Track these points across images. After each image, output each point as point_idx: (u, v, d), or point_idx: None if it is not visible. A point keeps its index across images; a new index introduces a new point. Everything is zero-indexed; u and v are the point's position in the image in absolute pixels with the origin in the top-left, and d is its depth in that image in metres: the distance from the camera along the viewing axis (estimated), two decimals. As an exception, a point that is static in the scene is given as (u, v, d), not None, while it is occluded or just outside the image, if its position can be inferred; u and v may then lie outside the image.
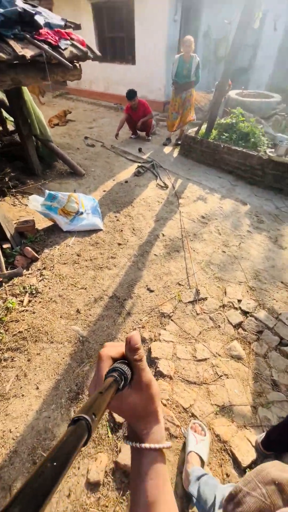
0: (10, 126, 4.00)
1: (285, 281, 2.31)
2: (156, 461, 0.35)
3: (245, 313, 2.01)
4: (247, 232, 2.89)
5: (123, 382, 0.32)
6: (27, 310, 1.97)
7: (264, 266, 2.46)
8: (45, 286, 2.16)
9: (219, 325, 1.93)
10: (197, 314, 2.00)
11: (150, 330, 1.88)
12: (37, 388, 1.55)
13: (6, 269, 2.24)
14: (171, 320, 1.95)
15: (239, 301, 2.10)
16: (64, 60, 2.52)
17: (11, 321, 1.89)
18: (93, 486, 1.21)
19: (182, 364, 1.68)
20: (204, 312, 2.01)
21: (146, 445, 0.35)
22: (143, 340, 1.81)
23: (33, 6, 2.59)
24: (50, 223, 2.85)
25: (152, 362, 1.69)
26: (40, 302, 2.04)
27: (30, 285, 2.14)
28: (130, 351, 0.34)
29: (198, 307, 2.05)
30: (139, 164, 4.19)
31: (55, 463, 0.19)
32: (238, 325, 1.93)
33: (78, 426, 0.23)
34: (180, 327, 1.91)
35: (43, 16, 2.60)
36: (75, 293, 2.12)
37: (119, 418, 1.41)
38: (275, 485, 0.53)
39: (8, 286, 2.14)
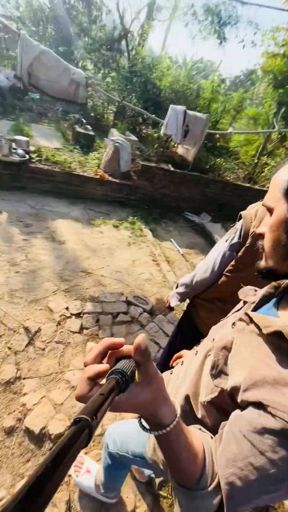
0: None
1: (84, 268, 2.67)
2: (181, 431, 0.40)
3: (78, 315, 2.15)
4: (24, 241, 2.77)
5: (124, 385, 0.32)
6: None
7: (61, 266, 2.61)
8: None
9: (68, 342, 1.93)
10: (43, 349, 1.82)
11: (9, 413, 1.46)
12: None
13: None
14: (23, 379, 1.62)
15: (67, 308, 2.16)
16: None
17: None
18: None
19: (67, 404, 1.57)
20: (47, 343, 1.87)
21: (168, 428, 0.38)
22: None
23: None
24: None
25: (40, 438, 1.40)
26: None
27: None
28: (141, 355, 0.35)
29: (38, 342, 1.85)
30: None
31: (56, 464, 0.20)
32: (81, 328, 2.06)
33: (79, 427, 0.24)
34: (38, 375, 1.66)
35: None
36: None
37: None
38: None
39: None
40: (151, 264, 3.12)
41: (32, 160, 3.59)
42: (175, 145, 4.03)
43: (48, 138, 4.91)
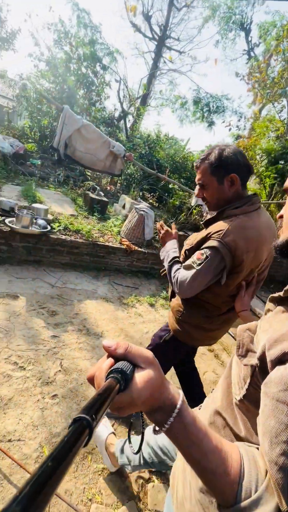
0: None
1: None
2: (186, 418, 0.37)
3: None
4: (54, 339, 2.07)
5: (124, 383, 0.32)
6: None
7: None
8: None
9: None
10: None
11: None
12: None
13: None
14: None
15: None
16: None
17: None
18: None
19: None
20: None
21: (171, 419, 0.36)
22: None
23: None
24: None
25: None
26: None
27: None
28: (112, 353, 0.36)
29: None
30: None
31: (56, 463, 0.19)
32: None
33: (79, 426, 0.23)
34: None
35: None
36: None
37: None
38: None
39: None
40: (209, 357, 2.51)
41: (53, 230, 3.12)
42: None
43: (60, 203, 4.60)
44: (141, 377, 0.35)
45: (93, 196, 4.66)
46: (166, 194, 6.14)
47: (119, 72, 8.97)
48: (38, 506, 0.17)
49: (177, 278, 1.08)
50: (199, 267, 0.99)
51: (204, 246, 1.01)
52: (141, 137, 7.74)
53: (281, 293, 0.49)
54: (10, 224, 2.77)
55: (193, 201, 3.70)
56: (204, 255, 0.98)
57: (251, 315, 1.04)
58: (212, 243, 0.97)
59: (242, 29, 13.33)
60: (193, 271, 1.01)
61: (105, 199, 4.78)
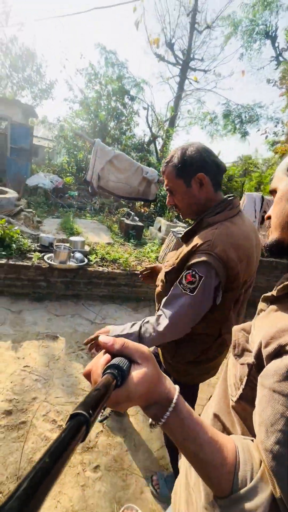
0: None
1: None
2: (182, 412, 0.37)
3: None
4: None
5: (121, 379, 0.33)
6: None
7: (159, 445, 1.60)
8: None
9: None
10: None
11: None
12: None
13: None
14: None
15: None
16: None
17: None
18: None
19: None
20: None
21: (168, 413, 0.36)
22: None
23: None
24: None
25: None
26: None
27: None
28: (109, 349, 0.37)
29: None
30: None
31: (53, 459, 0.20)
32: None
33: (76, 422, 0.23)
34: None
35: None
36: None
37: None
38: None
39: None
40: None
41: (90, 262, 3.05)
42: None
43: (96, 232, 4.64)
44: (137, 372, 0.35)
45: (128, 222, 4.61)
46: (203, 211, 5.85)
47: (146, 99, 9.36)
48: (36, 501, 0.17)
49: (161, 320, 0.84)
50: (194, 292, 0.80)
51: (191, 264, 0.82)
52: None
53: (273, 292, 0.50)
54: (49, 261, 2.76)
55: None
56: (197, 275, 0.79)
57: None
58: (201, 257, 0.80)
59: (267, 38, 13.06)
60: (185, 299, 0.81)
61: (140, 223, 4.69)
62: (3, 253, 2.78)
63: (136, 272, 3.15)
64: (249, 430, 0.45)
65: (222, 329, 0.95)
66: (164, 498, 1.31)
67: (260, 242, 0.99)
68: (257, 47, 13.28)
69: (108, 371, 0.33)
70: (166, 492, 1.31)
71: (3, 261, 2.66)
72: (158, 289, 1.02)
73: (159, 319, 0.85)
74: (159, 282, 1.03)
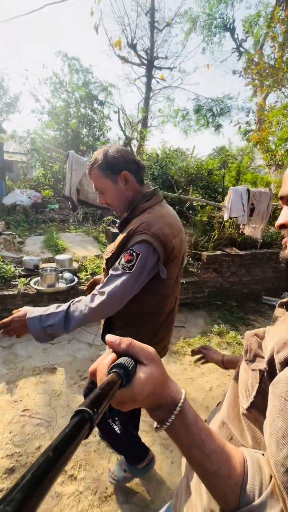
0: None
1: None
2: (188, 417, 0.36)
3: None
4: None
5: (126, 378, 0.32)
6: None
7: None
8: None
9: None
10: None
11: None
12: None
13: None
14: None
15: None
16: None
17: None
18: None
19: None
20: None
21: (173, 416, 0.35)
22: None
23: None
24: None
25: None
26: None
27: None
28: (116, 348, 0.36)
29: None
30: None
31: (56, 453, 0.20)
32: None
33: (80, 419, 0.24)
34: None
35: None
36: None
37: None
38: None
39: None
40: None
41: (81, 280, 2.88)
42: (242, 226, 3.46)
43: (83, 245, 4.46)
44: (143, 373, 0.34)
45: (114, 230, 4.45)
46: (188, 209, 5.77)
47: (115, 103, 9.20)
48: (38, 494, 0.17)
49: (96, 297, 0.87)
50: (133, 269, 0.86)
51: (129, 245, 0.89)
52: (149, 158, 7.62)
53: None
54: (36, 286, 2.58)
55: (225, 215, 3.28)
56: (134, 254, 0.87)
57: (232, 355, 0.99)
58: (139, 237, 0.88)
59: (226, 30, 13.25)
60: (125, 276, 0.86)
61: (127, 230, 4.55)
62: (-15, 284, 2.57)
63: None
64: (261, 441, 0.43)
65: (171, 303, 1.04)
66: (122, 480, 1.35)
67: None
68: (217, 40, 13.45)
69: (114, 370, 0.32)
70: (122, 475, 1.35)
71: (-14, 293, 2.45)
72: (102, 277, 1.09)
73: (94, 297, 0.87)
74: (102, 272, 1.09)
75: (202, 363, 1.00)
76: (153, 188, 1.04)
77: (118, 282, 0.86)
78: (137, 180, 1.01)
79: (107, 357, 0.36)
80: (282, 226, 0.50)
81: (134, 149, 8.67)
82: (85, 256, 3.77)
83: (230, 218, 3.33)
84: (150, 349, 0.37)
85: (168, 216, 0.97)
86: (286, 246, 0.50)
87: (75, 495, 1.32)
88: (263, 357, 0.45)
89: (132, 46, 10.47)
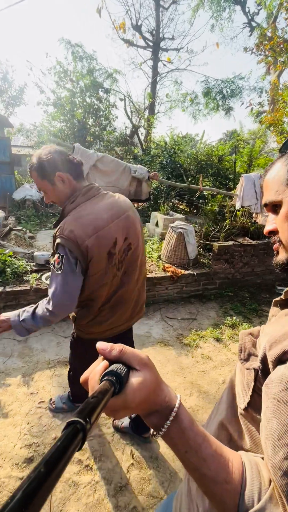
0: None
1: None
2: (183, 422, 0.35)
3: None
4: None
5: (119, 386, 0.32)
6: None
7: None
8: None
9: None
10: None
11: None
12: None
13: None
14: None
15: None
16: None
17: None
18: None
19: None
20: None
21: (168, 422, 0.34)
22: None
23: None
24: None
25: None
26: None
27: None
28: (107, 356, 0.35)
29: None
30: None
31: (48, 468, 0.19)
32: None
33: (72, 430, 0.23)
34: None
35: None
36: None
37: None
38: None
39: None
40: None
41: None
42: (255, 215, 3.34)
43: (92, 239, 4.46)
44: (136, 379, 0.33)
45: (124, 222, 4.42)
46: (198, 199, 5.62)
47: (121, 90, 8.93)
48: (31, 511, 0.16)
49: (49, 300, 1.02)
50: (61, 269, 0.99)
51: (54, 248, 1.04)
52: (157, 146, 7.43)
53: (282, 296, 0.49)
54: (47, 281, 2.61)
55: (237, 204, 3.16)
56: (59, 255, 0.99)
57: None
58: (57, 241, 1.01)
59: (236, 3, 12.41)
60: (59, 277, 0.99)
61: (136, 222, 4.50)
62: (-1, 280, 2.62)
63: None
64: (259, 442, 0.43)
65: (107, 292, 1.16)
66: (59, 409, 1.69)
67: (134, 211, 1.24)
68: (227, 15, 12.65)
69: (106, 377, 0.31)
70: (60, 406, 1.70)
71: (0, 289, 2.51)
72: None
73: (49, 300, 1.01)
74: None
75: None
76: (88, 184, 1.13)
77: (56, 282, 1.00)
78: (74, 177, 1.08)
79: (98, 365, 0.35)
80: (271, 232, 0.50)
81: (142, 137, 8.47)
82: (95, 249, 3.78)
83: (242, 207, 3.21)
84: (143, 354, 0.36)
85: (85, 216, 1.03)
86: (278, 252, 0.49)
87: (91, 484, 1.37)
88: (257, 356, 0.45)
89: (137, 28, 10.03)
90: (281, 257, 0.48)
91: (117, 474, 1.42)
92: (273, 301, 0.52)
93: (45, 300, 1.04)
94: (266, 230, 0.51)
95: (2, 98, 10.03)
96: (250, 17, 12.21)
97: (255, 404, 0.43)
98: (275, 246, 0.50)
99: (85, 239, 0.99)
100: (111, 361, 0.35)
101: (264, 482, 0.33)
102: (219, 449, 0.35)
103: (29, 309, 1.06)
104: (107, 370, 0.33)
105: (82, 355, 1.42)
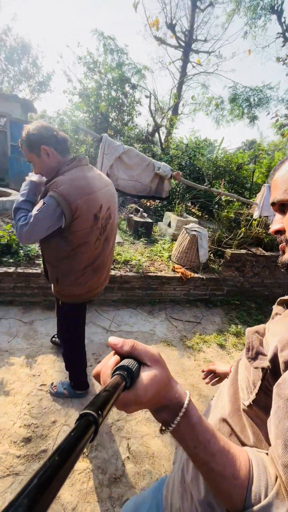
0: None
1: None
2: (193, 418, 0.36)
3: None
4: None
5: (130, 381, 0.32)
6: None
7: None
8: None
9: None
10: None
11: None
12: None
13: None
14: None
15: None
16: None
17: None
18: None
19: None
20: None
21: (178, 418, 0.35)
22: None
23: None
24: None
25: None
26: None
27: None
28: (119, 350, 0.36)
29: None
30: None
31: (62, 457, 0.20)
32: None
33: (85, 422, 0.24)
34: None
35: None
36: None
37: None
38: None
39: None
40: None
41: (102, 266, 2.90)
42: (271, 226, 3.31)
43: (104, 232, 4.48)
44: (147, 375, 0.34)
45: (137, 219, 4.42)
46: (215, 204, 5.58)
47: (148, 87, 8.92)
48: (45, 499, 0.17)
49: (19, 224, 1.16)
50: (37, 212, 1.12)
51: (42, 196, 1.20)
52: (177, 147, 7.40)
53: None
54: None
55: (256, 213, 3.13)
56: (42, 202, 1.12)
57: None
58: (49, 193, 1.13)
59: (273, 12, 12.25)
60: (36, 217, 1.12)
61: (149, 220, 4.49)
62: (11, 260, 2.65)
63: (149, 274, 2.99)
64: (262, 438, 0.43)
65: (91, 253, 1.28)
66: (59, 394, 1.72)
67: (113, 187, 1.39)
68: (262, 23, 12.50)
69: (118, 372, 0.32)
70: (61, 391, 1.72)
71: (12, 269, 2.53)
72: None
73: (26, 222, 1.15)
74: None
75: (216, 382, 0.87)
76: (74, 156, 1.26)
77: (34, 219, 1.13)
78: (59, 151, 1.21)
79: (110, 359, 0.36)
80: (278, 232, 0.50)
81: (162, 137, 8.44)
82: (106, 242, 3.79)
83: (260, 217, 3.17)
84: (154, 350, 0.37)
85: (79, 179, 1.18)
86: (284, 252, 0.49)
87: (86, 472, 1.37)
88: (265, 355, 0.45)
89: (171, 27, 9.99)
90: (286, 257, 0.48)
91: (112, 465, 1.42)
92: (278, 300, 0.52)
93: (19, 222, 1.18)
94: (272, 229, 0.51)
95: (29, 82, 10.10)
96: (285, 28, 12.05)
97: (260, 402, 0.43)
98: (281, 246, 0.50)
99: (77, 199, 1.14)
100: (123, 356, 0.36)
101: (270, 478, 0.34)
102: (227, 445, 0.36)
103: (17, 205, 1.23)
104: (118, 365, 0.33)
105: (74, 320, 1.54)
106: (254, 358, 0.47)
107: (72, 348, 1.62)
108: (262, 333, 0.51)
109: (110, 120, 8.66)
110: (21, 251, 2.76)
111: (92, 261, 1.32)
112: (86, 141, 8.04)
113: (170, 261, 3.48)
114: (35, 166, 1.24)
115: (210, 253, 3.66)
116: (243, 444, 0.46)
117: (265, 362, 0.43)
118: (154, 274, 3.02)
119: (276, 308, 0.53)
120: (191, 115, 10.32)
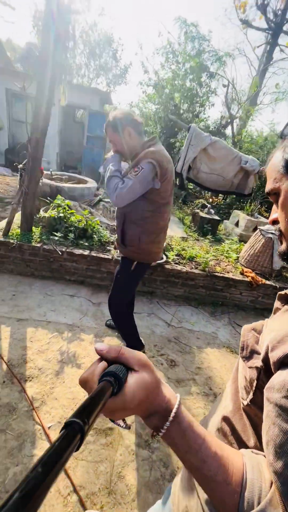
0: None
1: None
2: (183, 423, 0.35)
3: None
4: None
5: (117, 387, 0.31)
6: None
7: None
8: None
9: None
10: None
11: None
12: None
13: None
14: None
15: None
16: None
17: None
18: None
19: None
20: None
21: (168, 423, 0.34)
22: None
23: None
24: None
25: None
26: None
27: None
28: (105, 356, 0.35)
29: None
30: None
31: (46, 468, 0.19)
32: None
33: (70, 431, 0.23)
34: None
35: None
36: None
37: None
38: None
39: None
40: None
41: (168, 260, 2.88)
42: None
43: (169, 225, 4.45)
44: (134, 380, 0.33)
45: (203, 215, 4.25)
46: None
47: (227, 75, 8.36)
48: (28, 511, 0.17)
49: (117, 188, 1.35)
50: (136, 177, 1.33)
51: (139, 164, 1.36)
52: (252, 141, 6.82)
53: (287, 291, 0.48)
54: (128, 255, 2.70)
55: None
56: (140, 168, 1.33)
57: None
58: (145, 160, 1.34)
59: None
60: (131, 181, 1.33)
61: (216, 217, 4.27)
62: (86, 244, 2.84)
63: (215, 273, 2.85)
64: (262, 434, 0.41)
65: (167, 214, 1.52)
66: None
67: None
68: None
69: (104, 378, 0.31)
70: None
71: (87, 252, 2.71)
72: None
73: (124, 186, 1.34)
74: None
75: None
76: (151, 137, 1.45)
77: (129, 183, 1.33)
78: (137, 133, 1.43)
79: (97, 366, 0.35)
80: (275, 222, 0.49)
81: (235, 129, 7.89)
82: (171, 236, 3.75)
83: None
84: (141, 355, 0.36)
85: (163, 151, 1.41)
86: (281, 242, 0.48)
87: (149, 461, 1.39)
88: (259, 354, 0.43)
89: (262, 7, 9.08)
90: (283, 247, 0.47)
91: (174, 461, 1.41)
92: (278, 294, 0.50)
93: (118, 186, 1.36)
94: (270, 219, 0.51)
95: (107, 76, 10.55)
96: None
97: (258, 401, 0.42)
98: (278, 236, 0.49)
99: (167, 165, 1.38)
100: (110, 362, 0.35)
101: (265, 484, 0.32)
102: (219, 450, 0.35)
103: (111, 175, 1.41)
104: (105, 371, 0.33)
105: (137, 278, 1.69)
106: (248, 357, 0.46)
107: (129, 322, 1.89)
108: (259, 331, 0.49)
109: (182, 111, 8.48)
110: (95, 236, 2.93)
111: (166, 222, 1.56)
112: (154, 133, 8.05)
113: (238, 263, 3.26)
114: (117, 145, 1.45)
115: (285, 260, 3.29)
116: (244, 443, 0.45)
117: (258, 361, 0.42)
118: (221, 274, 2.87)
119: (276, 303, 0.51)
120: (271, 105, 9.35)
